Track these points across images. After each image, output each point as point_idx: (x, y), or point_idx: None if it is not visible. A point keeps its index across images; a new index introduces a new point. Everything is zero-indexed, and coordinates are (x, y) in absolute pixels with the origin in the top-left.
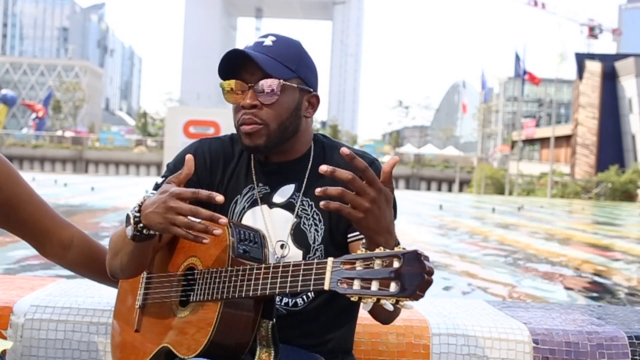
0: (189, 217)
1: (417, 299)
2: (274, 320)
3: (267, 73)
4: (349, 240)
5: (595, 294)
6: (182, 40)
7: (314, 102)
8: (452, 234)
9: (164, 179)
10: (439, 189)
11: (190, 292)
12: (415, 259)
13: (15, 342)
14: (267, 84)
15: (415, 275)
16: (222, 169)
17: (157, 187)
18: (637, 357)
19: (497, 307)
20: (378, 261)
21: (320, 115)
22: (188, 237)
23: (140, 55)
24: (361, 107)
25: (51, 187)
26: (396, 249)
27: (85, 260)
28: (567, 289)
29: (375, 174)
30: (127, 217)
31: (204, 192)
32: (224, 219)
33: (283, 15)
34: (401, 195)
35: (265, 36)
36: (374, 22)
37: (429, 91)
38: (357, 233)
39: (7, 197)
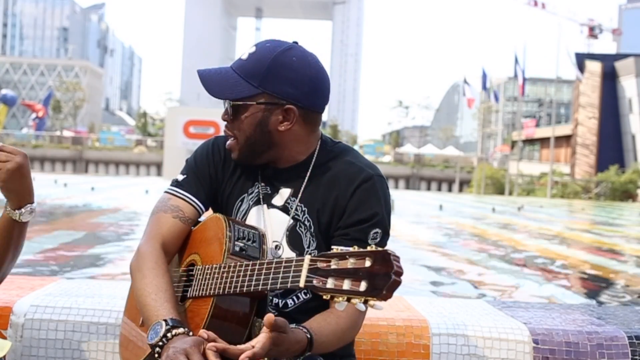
0: None
1: (385, 299)
2: None
3: (215, 96)
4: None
5: (595, 294)
6: (182, 40)
7: (291, 115)
8: (452, 234)
9: (185, 175)
10: (439, 189)
11: (189, 287)
12: (384, 258)
13: (15, 342)
14: (225, 103)
15: (383, 275)
16: (233, 166)
17: (176, 182)
18: (637, 357)
19: (497, 307)
20: (352, 260)
21: None
22: None
23: (140, 55)
24: (361, 107)
25: (51, 187)
26: (369, 248)
27: None
28: (567, 289)
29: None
30: (156, 328)
31: None
32: None
33: (283, 15)
34: (401, 195)
35: (252, 47)
36: (374, 22)
37: (429, 91)
38: (341, 248)
39: None
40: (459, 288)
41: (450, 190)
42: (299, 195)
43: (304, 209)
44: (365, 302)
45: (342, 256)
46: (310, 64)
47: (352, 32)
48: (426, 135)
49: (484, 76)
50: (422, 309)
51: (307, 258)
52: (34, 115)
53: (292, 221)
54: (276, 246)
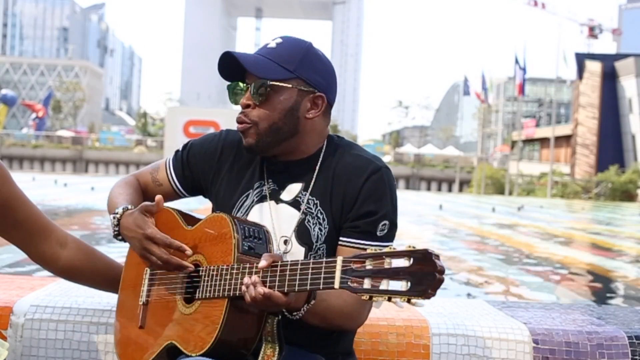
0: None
1: (428, 298)
2: (279, 316)
3: (255, 74)
4: (339, 243)
5: (595, 294)
6: (182, 40)
7: (319, 103)
8: (452, 234)
9: (182, 151)
10: (439, 189)
11: (195, 288)
12: (425, 258)
13: (15, 342)
14: (257, 84)
15: (426, 274)
16: (231, 159)
17: (175, 155)
18: (637, 357)
19: (497, 307)
20: (388, 259)
21: None
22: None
23: (140, 55)
24: (361, 107)
25: (51, 187)
26: (406, 248)
27: (81, 257)
28: (567, 289)
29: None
30: (112, 219)
31: (175, 243)
32: (189, 251)
33: (283, 15)
34: (401, 195)
35: (276, 38)
36: (374, 22)
37: (429, 91)
38: (348, 239)
39: (5, 198)
40: (459, 288)
41: (450, 190)
42: (310, 188)
43: (316, 201)
44: (408, 301)
45: (377, 256)
46: (330, 62)
47: (352, 32)
48: (426, 135)
49: (483, 77)
50: (422, 309)
51: (339, 259)
52: (34, 115)
53: (301, 216)
54: (285, 241)
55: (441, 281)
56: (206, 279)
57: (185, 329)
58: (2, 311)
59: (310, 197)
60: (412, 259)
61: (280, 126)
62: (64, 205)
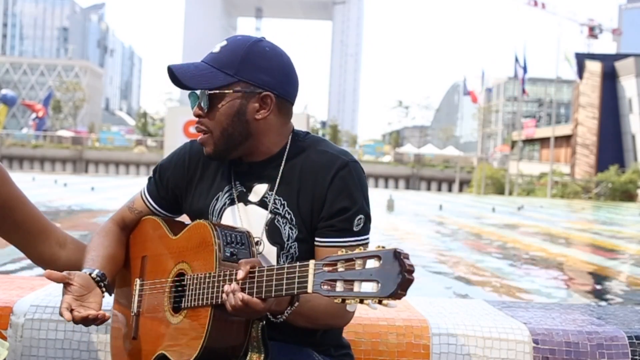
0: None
1: (399, 298)
2: (264, 322)
3: (193, 87)
4: (315, 244)
5: (595, 294)
6: (182, 40)
7: (268, 102)
8: (452, 234)
9: (153, 174)
10: (439, 189)
11: (181, 298)
12: (394, 257)
13: (15, 342)
14: (199, 95)
15: (395, 275)
16: (200, 168)
17: (149, 181)
18: (637, 357)
19: (497, 307)
20: (359, 261)
21: (320, 115)
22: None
23: (140, 55)
24: (361, 107)
25: (51, 187)
26: (376, 249)
27: (80, 258)
28: (567, 289)
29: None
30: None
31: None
32: (105, 316)
33: (283, 15)
34: (401, 195)
35: (222, 41)
36: (374, 22)
37: (429, 91)
38: (326, 240)
39: (4, 199)
40: (459, 288)
41: (450, 190)
42: (275, 188)
43: (283, 202)
44: (379, 302)
45: (348, 259)
46: (282, 54)
47: (352, 32)
48: (426, 135)
49: (483, 77)
50: (422, 309)
51: (311, 263)
52: (34, 115)
53: (270, 215)
54: (256, 242)
55: (410, 281)
56: (191, 287)
57: (173, 338)
58: (2, 311)
59: (276, 197)
60: (380, 260)
61: (231, 132)
62: (64, 205)
